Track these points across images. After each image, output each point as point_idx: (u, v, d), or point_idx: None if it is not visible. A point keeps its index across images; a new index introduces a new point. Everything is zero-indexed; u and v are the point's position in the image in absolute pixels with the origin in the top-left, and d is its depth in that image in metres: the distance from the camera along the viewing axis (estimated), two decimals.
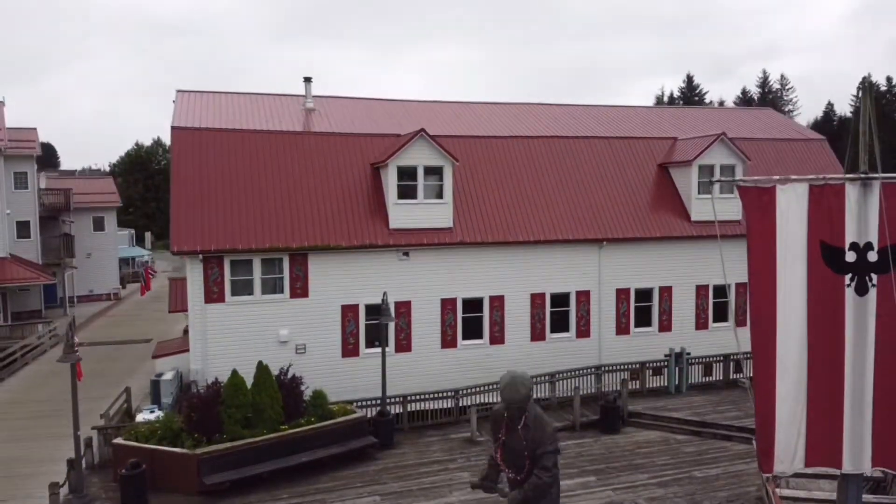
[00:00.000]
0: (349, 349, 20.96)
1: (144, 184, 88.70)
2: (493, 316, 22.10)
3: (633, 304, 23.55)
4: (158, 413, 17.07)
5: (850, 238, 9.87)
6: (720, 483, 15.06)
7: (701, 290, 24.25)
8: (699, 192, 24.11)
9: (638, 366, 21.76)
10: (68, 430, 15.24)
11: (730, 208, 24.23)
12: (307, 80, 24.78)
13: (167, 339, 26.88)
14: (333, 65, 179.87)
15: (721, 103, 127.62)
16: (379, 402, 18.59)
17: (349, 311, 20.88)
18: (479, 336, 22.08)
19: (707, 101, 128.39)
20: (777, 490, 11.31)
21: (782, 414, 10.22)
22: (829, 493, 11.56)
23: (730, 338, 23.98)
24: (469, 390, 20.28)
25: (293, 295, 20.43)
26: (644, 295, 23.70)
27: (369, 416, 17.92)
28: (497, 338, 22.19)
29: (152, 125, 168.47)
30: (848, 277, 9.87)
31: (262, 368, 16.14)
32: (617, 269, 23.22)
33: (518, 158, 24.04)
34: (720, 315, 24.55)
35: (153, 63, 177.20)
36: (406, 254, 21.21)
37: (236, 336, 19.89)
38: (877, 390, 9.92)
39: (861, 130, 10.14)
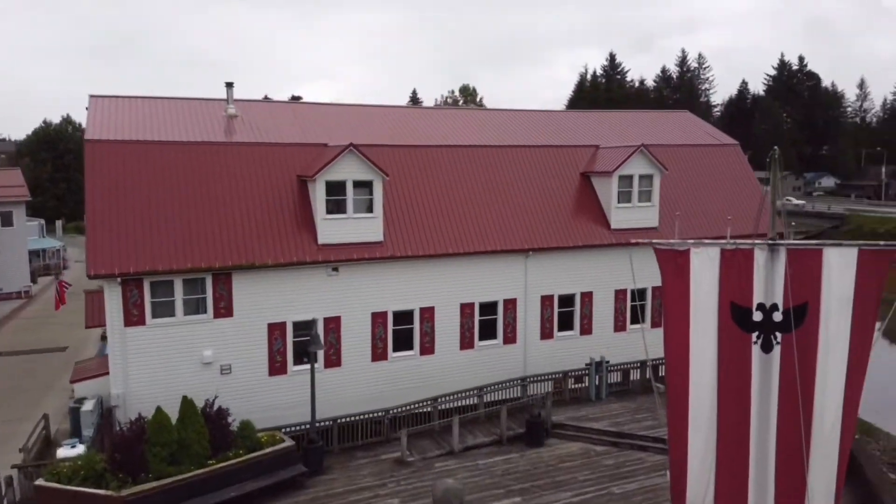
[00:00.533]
0: (276, 367, 20.80)
1: (54, 164, 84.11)
2: (424, 327, 22.35)
3: (556, 310, 24.28)
4: (80, 447, 16.58)
5: (757, 299, 10.50)
6: (637, 499, 15.94)
7: (619, 295, 25.20)
8: (619, 202, 24.91)
9: (561, 375, 22.51)
10: None
11: (648, 217, 25.27)
12: (229, 85, 24.04)
13: (84, 355, 25.97)
14: (251, 29, 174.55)
15: (641, 82, 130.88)
16: (308, 426, 18.57)
17: (276, 329, 20.68)
18: (410, 347, 22.31)
19: (629, 79, 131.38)
20: None
21: (694, 464, 10.89)
22: None
23: (647, 338, 25.26)
24: (400, 409, 20.48)
25: (217, 315, 20.04)
26: (566, 300, 24.45)
27: (300, 438, 17.96)
28: (427, 348, 22.48)
29: (63, 94, 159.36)
30: (755, 335, 10.52)
31: (186, 403, 15.88)
32: (542, 277, 23.82)
33: (447, 167, 24.16)
34: (636, 318, 25.60)
35: (64, 21, 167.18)
36: (335, 269, 21.11)
37: (158, 359, 19.42)
38: (779, 443, 10.67)
39: (771, 200, 10.77)
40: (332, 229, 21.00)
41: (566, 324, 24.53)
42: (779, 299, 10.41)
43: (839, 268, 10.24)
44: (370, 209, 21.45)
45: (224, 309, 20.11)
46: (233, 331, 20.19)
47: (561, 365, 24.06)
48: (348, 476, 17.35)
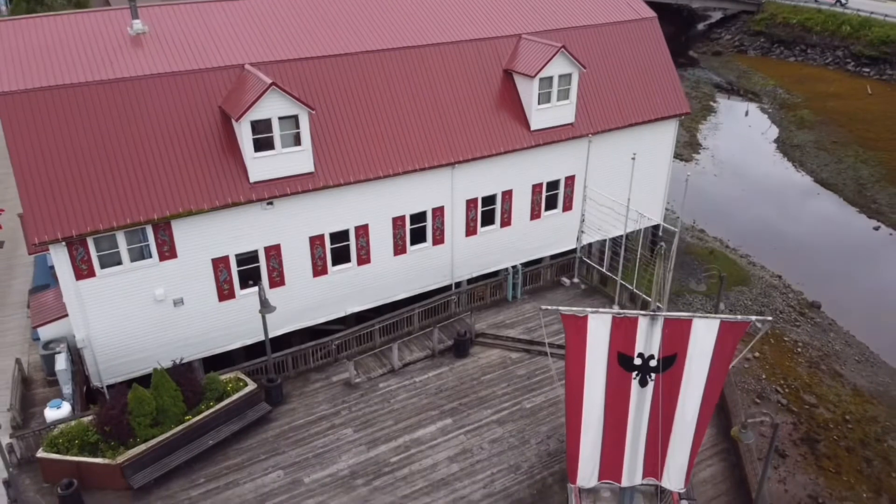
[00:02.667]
0: (225, 294, 22.65)
1: None
2: (360, 242, 24.21)
3: (479, 210, 26.35)
4: (65, 406, 18.73)
5: (638, 350, 13.23)
6: (543, 414, 19.83)
7: (536, 188, 27.29)
8: (539, 103, 25.85)
9: (483, 285, 25.25)
10: None
11: (565, 115, 26.50)
12: None
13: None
14: None
15: None
16: (264, 364, 21.05)
17: (220, 263, 22.15)
18: (348, 260, 24.33)
19: None
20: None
21: (584, 452, 14.38)
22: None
23: (557, 222, 28.11)
24: (345, 335, 22.99)
25: (162, 258, 21.21)
26: (489, 200, 26.43)
27: (258, 371, 20.64)
28: (364, 259, 24.57)
29: None
30: (634, 374, 13.41)
31: (158, 373, 18.06)
32: (467, 184, 25.46)
33: (371, 77, 24.13)
34: (550, 204, 28.05)
35: None
36: (270, 203, 22.13)
37: (114, 304, 20.90)
38: (649, 439, 14.09)
39: (654, 281, 12.93)
40: (262, 167, 21.60)
41: (488, 219, 26.77)
42: (655, 351, 13.13)
43: (704, 332, 12.92)
44: (298, 142, 21.94)
45: (168, 252, 21.27)
46: (179, 270, 21.58)
47: (485, 257, 26.89)
48: (306, 405, 20.45)
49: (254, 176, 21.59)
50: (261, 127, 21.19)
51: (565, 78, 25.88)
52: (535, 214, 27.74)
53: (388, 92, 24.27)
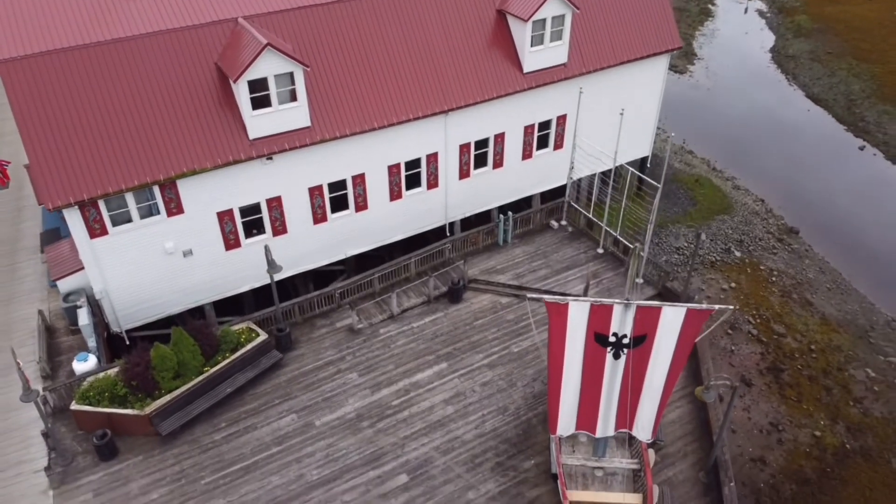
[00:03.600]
0: (231, 243, 23.88)
1: None
2: (357, 190, 25.19)
3: (472, 154, 27.14)
4: (91, 359, 20.40)
5: (613, 330, 14.82)
6: (529, 358, 21.67)
7: (528, 129, 27.94)
8: (532, 46, 26.03)
9: (477, 231, 26.39)
10: None
11: (558, 55, 26.75)
12: None
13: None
14: None
15: None
16: (273, 313, 22.58)
17: (225, 215, 23.24)
18: (346, 207, 25.42)
19: None
20: (561, 455, 17.56)
21: (564, 409, 16.31)
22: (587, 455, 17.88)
23: (549, 160, 28.97)
24: (347, 285, 24.36)
25: (170, 214, 22.27)
26: (481, 144, 27.16)
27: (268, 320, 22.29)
28: (361, 206, 25.64)
29: None
30: (609, 349, 15.07)
31: (177, 331, 19.62)
32: (460, 130, 26.10)
33: (364, 24, 24.20)
34: (542, 144, 28.80)
35: None
36: (270, 158, 22.93)
37: (127, 258, 22.20)
38: (620, 399, 15.93)
39: (629, 275, 14.20)
40: (260, 124, 22.21)
41: (481, 162, 27.61)
42: (627, 332, 14.70)
43: (672, 317, 14.47)
44: (294, 98, 22.44)
45: (175, 208, 22.30)
46: (187, 224, 22.70)
47: (478, 197, 27.99)
48: (313, 350, 22.20)
49: (253, 133, 22.25)
50: (257, 86, 21.63)
51: (558, 19, 25.94)
52: (526, 154, 28.53)
53: (380, 39, 24.43)
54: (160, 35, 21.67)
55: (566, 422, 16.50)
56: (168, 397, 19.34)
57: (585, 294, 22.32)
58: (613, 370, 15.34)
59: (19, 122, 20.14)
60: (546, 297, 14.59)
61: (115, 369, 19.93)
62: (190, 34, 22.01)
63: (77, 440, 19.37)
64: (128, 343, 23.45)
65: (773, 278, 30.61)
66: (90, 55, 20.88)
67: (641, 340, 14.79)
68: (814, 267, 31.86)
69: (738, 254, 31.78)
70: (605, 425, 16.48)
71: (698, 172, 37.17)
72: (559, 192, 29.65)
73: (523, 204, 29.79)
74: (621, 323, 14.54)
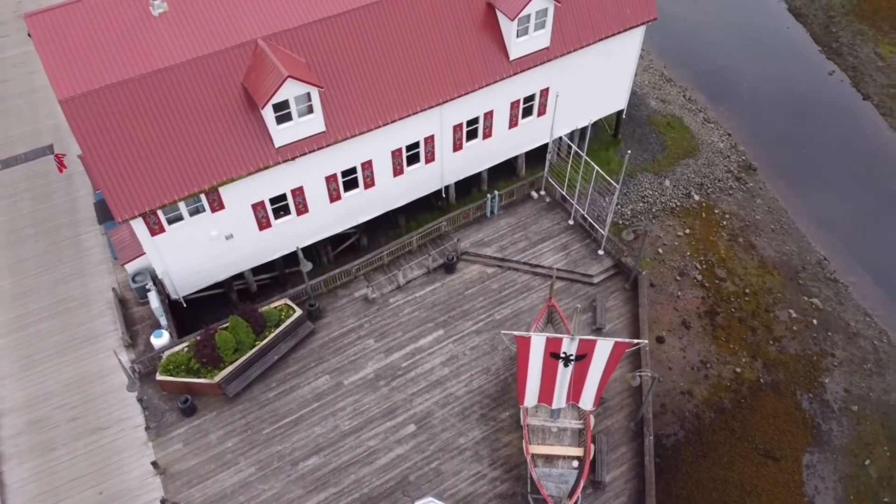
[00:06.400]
0: (263, 225, 28.68)
1: None
2: (365, 173, 29.51)
3: (465, 130, 31.03)
4: (165, 335, 26.13)
5: (563, 350, 20.41)
6: (509, 324, 27.34)
7: (514, 104, 31.57)
8: (517, 37, 29.03)
9: (468, 207, 30.89)
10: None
11: (541, 41, 29.82)
12: None
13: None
14: None
15: None
16: (304, 290, 27.96)
17: (258, 206, 27.85)
18: (356, 186, 29.89)
19: None
20: (527, 419, 23.73)
21: (528, 394, 22.22)
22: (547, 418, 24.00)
23: (532, 127, 32.90)
24: (363, 261, 29.39)
25: (213, 210, 26.87)
26: (472, 122, 30.96)
27: (299, 295, 27.74)
28: (369, 184, 30.08)
29: None
30: (560, 361, 20.77)
31: (234, 319, 25.15)
32: (453, 114, 29.84)
33: (368, 32, 27.23)
34: (527, 113, 32.51)
35: None
36: (293, 159, 27.11)
37: (182, 247, 27.16)
38: (570, 388, 21.86)
39: (574, 325, 19.49)
40: (284, 134, 26.16)
41: (472, 135, 31.55)
42: (573, 352, 20.33)
43: (604, 346, 20.04)
44: (311, 111, 26.20)
45: (217, 206, 26.87)
46: (228, 216, 27.38)
47: (470, 163, 32.28)
48: (338, 318, 27.80)
49: (278, 142, 26.27)
50: (280, 106, 25.36)
51: (542, 12, 28.74)
52: (513, 124, 32.36)
53: (381, 44, 27.50)
54: (194, 62, 25.01)
55: (531, 399, 22.53)
56: (231, 368, 25.28)
57: (551, 289, 27.53)
58: (564, 373, 21.11)
59: (85, 152, 24.24)
60: (516, 332, 20.04)
61: (186, 345, 25.70)
62: (218, 59, 25.31)
63: (162, 399, 25.56)
64: (184, 306, 29.06)
65: (724, 222, 35.47)
66: (139, 86, 24.39)
67: (583, 357, 20.39)
68: (763, 207, 36.49)
69: (696, 197, 36.35)
70: (559, 401, 22.53)
71: (672, 111, 40.49)
72: (542, 148, 33.83)
73: (511, 161, 34.08)
74: (569, 347, 20.08)
